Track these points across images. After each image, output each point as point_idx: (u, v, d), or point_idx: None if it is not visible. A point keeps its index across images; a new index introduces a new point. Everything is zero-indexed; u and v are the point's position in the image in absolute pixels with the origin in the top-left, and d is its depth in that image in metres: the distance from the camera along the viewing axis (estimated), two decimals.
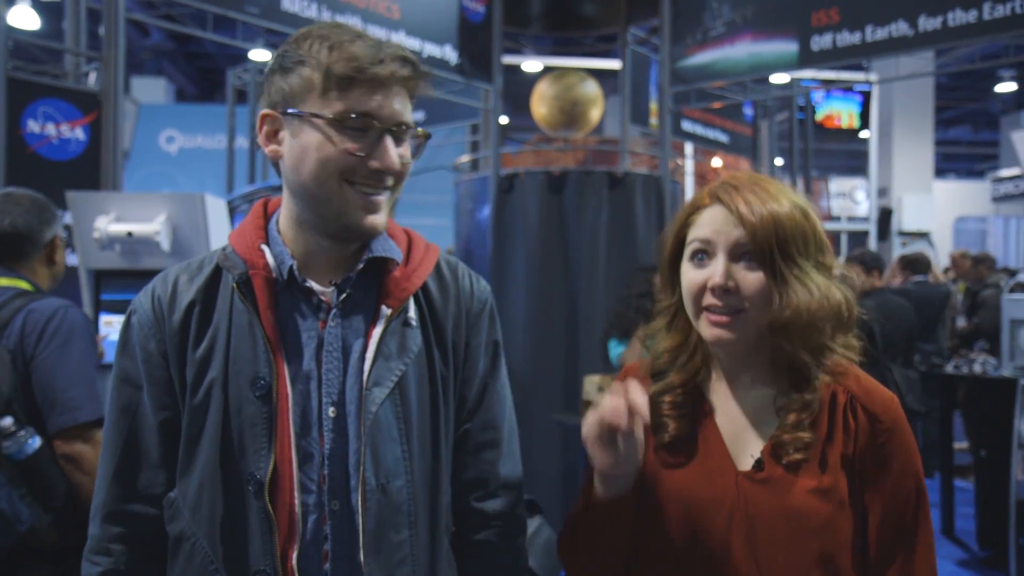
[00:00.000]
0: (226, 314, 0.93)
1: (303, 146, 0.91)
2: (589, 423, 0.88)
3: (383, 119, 0.90)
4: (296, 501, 0.91)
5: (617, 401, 0.86)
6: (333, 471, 0.92)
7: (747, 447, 0.98)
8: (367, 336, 0.95)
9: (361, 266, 0.95)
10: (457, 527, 1.04)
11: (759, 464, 0.95)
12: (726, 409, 1.01)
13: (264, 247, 0.95)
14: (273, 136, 0.94)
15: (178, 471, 0.95)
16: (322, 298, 0.95)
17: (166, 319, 0.95)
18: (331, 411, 0.92)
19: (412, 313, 0.98)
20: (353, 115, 0.89)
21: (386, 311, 0.95)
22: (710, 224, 0.96)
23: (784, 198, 0.95)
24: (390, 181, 0.93)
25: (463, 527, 1.04)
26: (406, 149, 0.94)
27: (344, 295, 0.95)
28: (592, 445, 0.89)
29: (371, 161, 0.90)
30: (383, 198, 0.93)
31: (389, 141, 0.91)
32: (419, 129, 0.95)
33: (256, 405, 0.90)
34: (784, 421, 0.95)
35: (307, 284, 0.94)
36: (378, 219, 0.93)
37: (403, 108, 0.92)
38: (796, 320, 0.91)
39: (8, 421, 1.45)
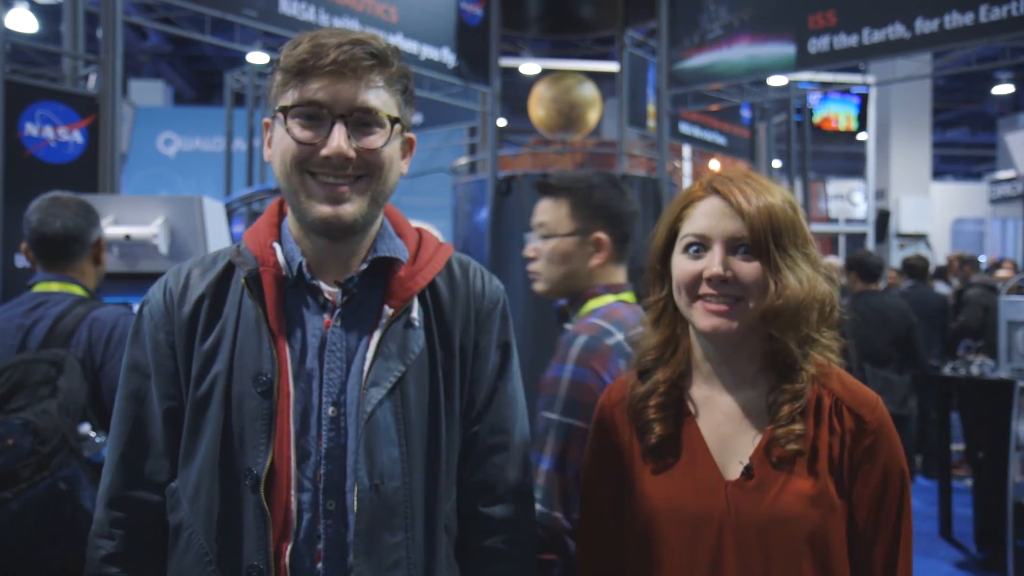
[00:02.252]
0: (235, 309, 0.94)
1: (274, 142, 0.94)
2: None
3: (332, 106, 0.89)
4: (292, 499, 0.91)
5: None
6: (330, 470, 0.92)
7: (735, 453, 0.97)
8: (370, 336, 0.95)
9: (365, 266, 0.96)
10: (464, 532, 1.02)
11: (748, 471, 0.95)
12: (710, 414, 1.00)
13: (276, 245, 0.96)
14: (270, 141, 0.97)
15: (180, 462, 0.95)
16: (328, 297, 0.96)
17: (176, 311, 0.95)
18: (331, 410, 0.92)
19: (415, 314, 0.97)
20: (300, 104, 0.90)
21: (388, 311, 0.95)
22: (705, 217, 0.97)
23: (776, 191, 0.97)
24: (351, 170, 0.91)
25: (470, 532, 1.02)
26: (376, 137, 0.91)
27: (348, 295, 0.96)
28: None
29: (323, 149, 0.89)
30: (349, 188, 0.91)
31: (337, 128, 0.89)
32: (382, 112, 0.91)
33: (257, 400, 0.91)
34: (778, 414, 0.94)
35: (314, 282, 0.95)
36: (345, 209, 0.91)
37: (362, 94, 0.90)
38: (787, 308, 0.92)
39: (86, 427, 1.52)
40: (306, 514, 0.91)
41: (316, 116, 0.90)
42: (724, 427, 0.99)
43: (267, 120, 0.97)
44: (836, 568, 0.92)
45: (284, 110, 0.91)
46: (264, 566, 0.89)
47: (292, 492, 0.91)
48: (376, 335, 0.94)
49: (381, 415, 0.92)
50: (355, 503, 0.91)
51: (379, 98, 0.92)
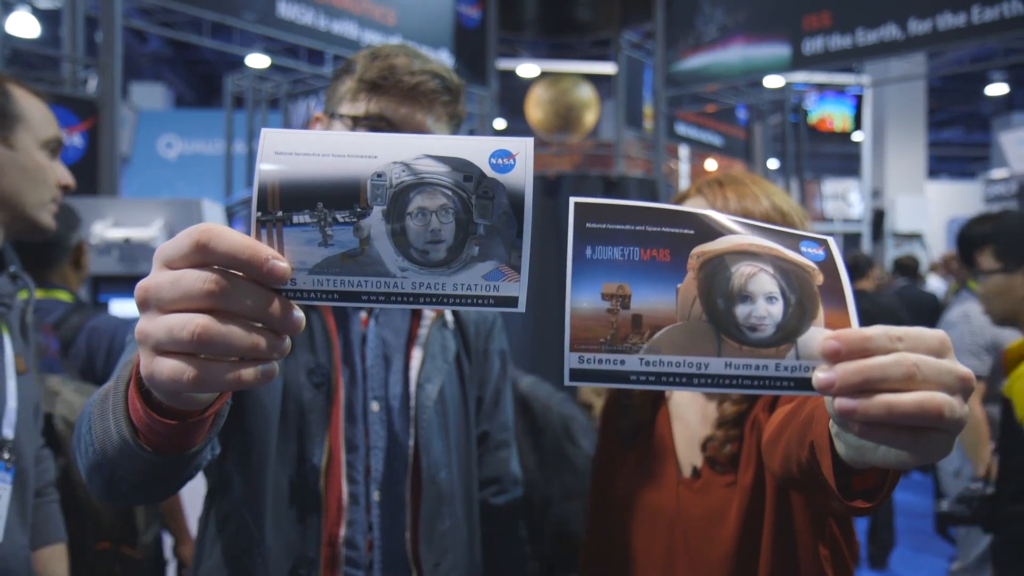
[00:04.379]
0: None
1: None
2: None
3: (399, 126, 0.93)
4: (344, 490, 0.94)
5: None
6: (376, 463, 0.96)
7: (693, 451, 0.99)
8: (410, 335, 1.00)
9: None
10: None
11: (696, 472, 0.97)
12: (685, 410, 1.02)
13: None
14: None
15: (231, 449, 0.93)
16: None
17: None
18: (375, 405, 0.96)
19: (449, 317, 1.04)
20: (371, 117, 0.93)
21: (429, 314, 1.01)
22: None
23: (765, 198, 0.97)
24: None
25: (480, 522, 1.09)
26: None
27: None
28: None
29: None
30: None
31: None
32: None
33: (313, 392, 0.93)
34: (722, 414, 0.95)
35: None
36: None
37: (428, 123, 0.95)
38: None
39: None
40: (356, 505, 0.94)
41: (378, 130, 0.93)
42: (693, 425, 1.01)
43: (320, 115, 0.99)
44: (782, 563, 0.90)
45: (354, 119, 0.94)
46: (315, 555, 0.91)
47: (344, 483, 0.94)
48: (421, 335, 1.00)
49: (432, 411, 0.98)
50: (411, 494, 0.96)
51: (439, 129, 0.96)
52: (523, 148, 0.47)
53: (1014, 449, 1.62)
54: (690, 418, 1.01)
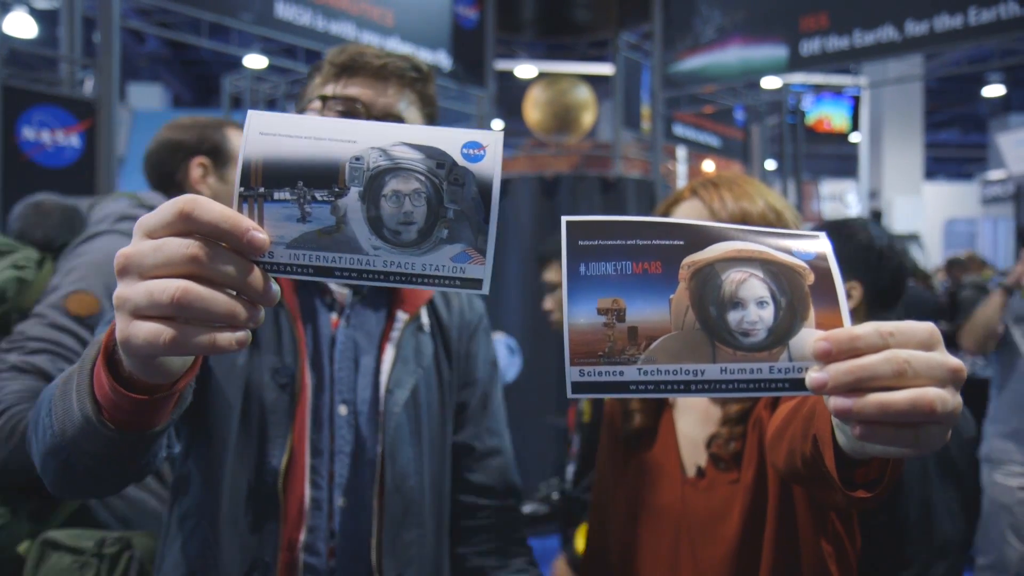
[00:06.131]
0: None
1: None
2: None
3: (370, 106, 0.93)
4: (306, 495, 0.92)
5: None
6: (341, 468, 0.93)
7: (697, 451, 0.99)
8: (382, 339, 0.98)
9: None
10: (465, 532, 1.06)
11: (700, 472, 0.97)
12: (688, 411, 1.03)
13: None
14: None
15: (193, 447, 0.92)
16: (336, 297, 0.98)
17: None
18: (342, 409, 0.94)
19: (425, 320, 1.01)
20: (340, 97, 0.93)
21: (403, 316, 0.98)
22: (684, 217, 1.00)
23: (760, 198, 0.98)
24: None
25: (471, 532, 1.06)
26: None
27: (358, 296, 0.98)
28: None
29: None
30: None
31: None
32: None
33: (277, 393, 0.91)
34: (726, 412, 0.96)
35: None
36: None
37: (398, 104, 0.94)
38: None
39: None
40: (319, 511, 0.92)
41: (352, 112, 0.93)
42: (698, 425, 1.01)
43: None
44: (786, 563, 0.90)
45: (324, 99, 0.94)
46: (271, 560, 0.89)
47: (306, 488, 0.92)
48: (393, 338, 0.97)
49: (401, 416, 0.96)
50: (377, 502, 0.93)
51: (410, 113, 0.96)
52: (493, 141, 0.50)
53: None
54: (694, 418, 1.02)
